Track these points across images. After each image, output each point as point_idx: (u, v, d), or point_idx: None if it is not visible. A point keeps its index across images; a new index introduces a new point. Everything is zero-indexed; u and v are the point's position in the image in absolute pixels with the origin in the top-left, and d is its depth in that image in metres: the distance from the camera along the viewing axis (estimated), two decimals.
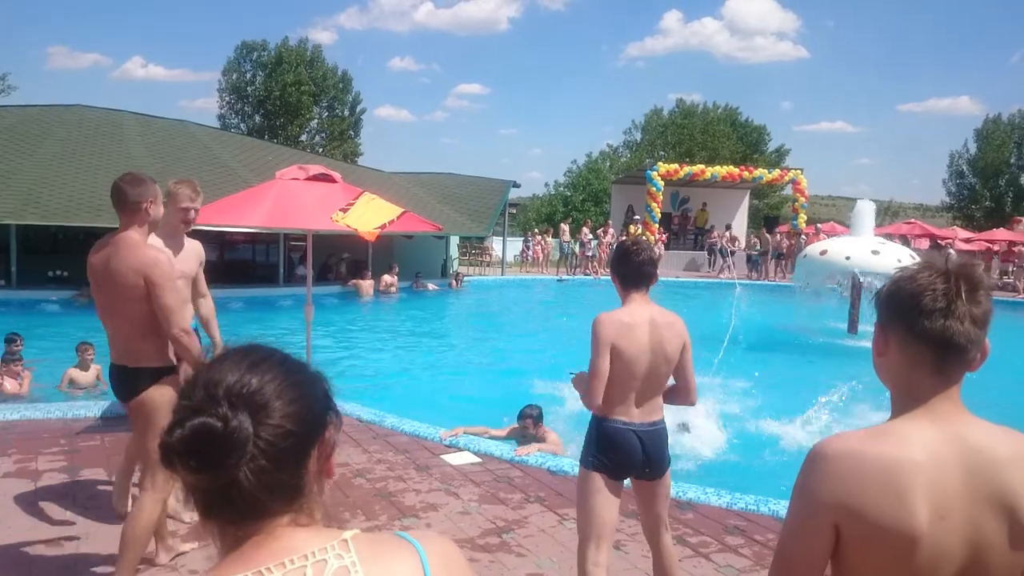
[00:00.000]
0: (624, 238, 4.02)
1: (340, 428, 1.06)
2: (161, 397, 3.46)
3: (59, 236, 18.18)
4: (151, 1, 77.44)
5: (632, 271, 3.18)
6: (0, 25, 78.07)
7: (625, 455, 3.11)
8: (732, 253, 26.30)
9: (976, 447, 1.30)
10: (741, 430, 7.44)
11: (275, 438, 0.95)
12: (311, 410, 1.00)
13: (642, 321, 3.11)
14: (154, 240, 3.80)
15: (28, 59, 75.71)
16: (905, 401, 1.36)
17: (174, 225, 4.16)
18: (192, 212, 4.19)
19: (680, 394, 3.26)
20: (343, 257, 19.87)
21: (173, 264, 3.59)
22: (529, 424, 6.38)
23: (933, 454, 1.28)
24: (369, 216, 5.41)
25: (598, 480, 3.13)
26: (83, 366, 8.17)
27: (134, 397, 3.51)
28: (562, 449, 6.09)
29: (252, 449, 0.94)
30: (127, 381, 3.53)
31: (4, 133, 18.97)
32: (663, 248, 25.82)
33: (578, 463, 3.27)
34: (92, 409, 6.51)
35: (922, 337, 1.33)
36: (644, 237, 25.34)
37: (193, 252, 4.37)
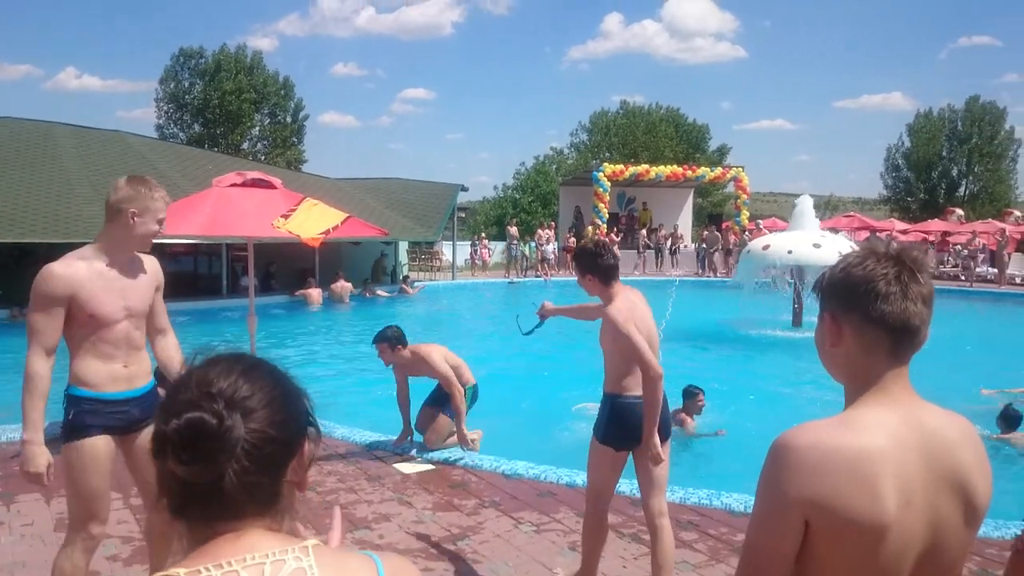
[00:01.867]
0: (583, 240, 4.40)
1: (319, 443, 1.10)
2: None
3: None
4: (84, 10, 75.28)
5: (609, 268, 3.59)
6: None
7: (635, 428, 3.46)
8: (676, 251, 26.67)
9: (931, 430, 1.32)
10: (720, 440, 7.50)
11: (260, 442, 1.00)
12: (294, 421, 1.05)
13: (641, 302, 3.62)
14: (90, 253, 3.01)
15: None
16: (861, 388, 1.36)
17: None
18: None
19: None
20: (272, 268, 19.57)
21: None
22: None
23: (897, 440, 1.28)
24: (312, 222, 5.31)
25: (609, 451, 3.57)
26: None
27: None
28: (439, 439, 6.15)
29: (239, 450, 0.98)
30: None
31: None
32: (616, 248, 26.05)
33: (591, 434, 3.65)
34: None
35: (880, 322, 1.33)
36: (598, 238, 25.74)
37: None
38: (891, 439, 1.28)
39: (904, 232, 31.18)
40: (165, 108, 46.14)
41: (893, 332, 1.33)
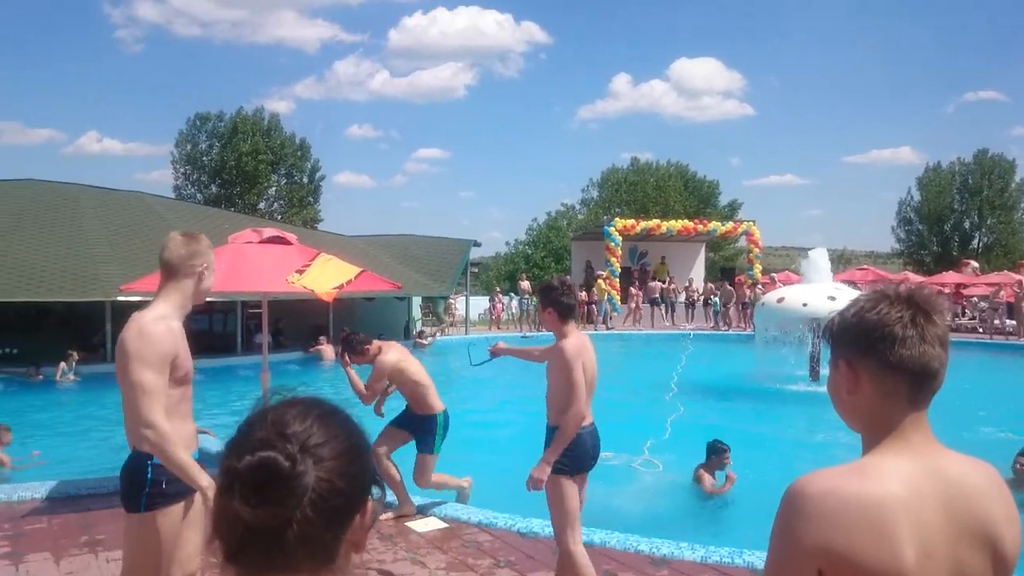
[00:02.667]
0: (551, 277, 4.60)
1: (381, 505, 1.07)
2: None
3: (8, 313, 17.71)
4: (106, 76, 77.54)
5: (568, 307, 3.92)
6: None
7: (590, 454, 3.89)
8: (693, 304, 26.51)
9: (952, 479, 1.27)
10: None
11: (327, 493, 0.94)
12: (361, 476, 1.00)
13: (589, 343, 3.95)
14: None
15: None
16: (878, 435, 1.32)
17: None
18: None
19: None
20: (280, 327, 19.61)
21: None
22: None
23: (914, 489, 1.24)
24: (326, 277, 5.34)
25: (570, 482, 3.82)
26: None
27: None
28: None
29: (305, 499, 0.92)
30: None
31: None
32: (638, 302, 25.96)
33: (555, 476, 3.79)
34: (38, 490, 6.21)
35: (898, 367, 1.29)
36: (606, 292, 25.31)
37: None
38: (909, 487, 1.23)
39: (919, 284, 30.99)
40: (182, 170, 47.04)
41: (912, 377, 1.29)
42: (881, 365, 1.30)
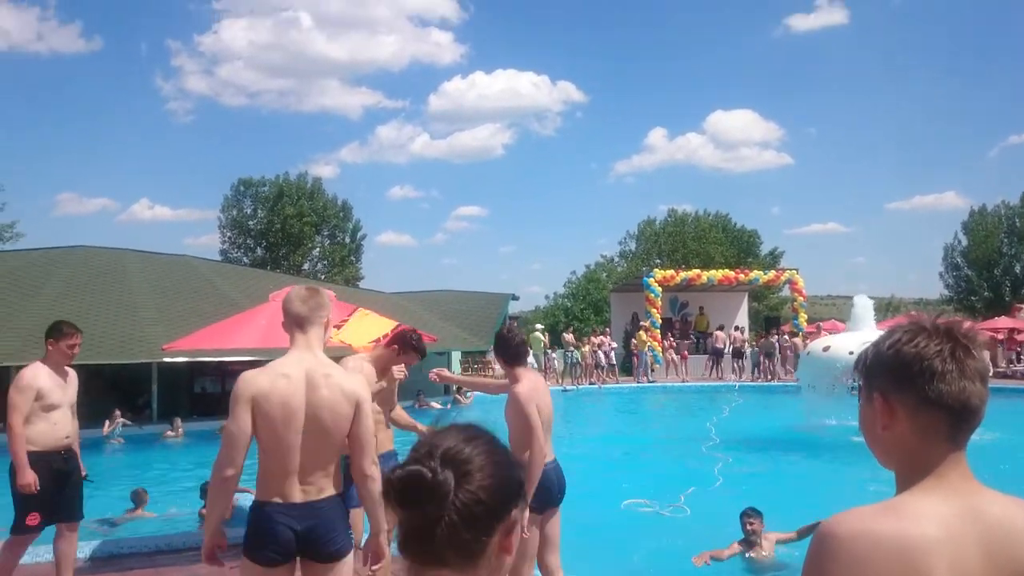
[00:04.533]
0: (503, 327, 4.75)
1: (525, 514, 1.34)
2: None
3: None
4: (158, 146, 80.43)
5: (515, 352, 4.21)
6: (13, 177, 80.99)
7: (555, 489, 4.30)
8: (742, 354, 25.94)
9: (992, 521, 1.21)
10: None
11: (470, 503, 1.11)
12: (504, 490, 1.16)
13: (542, 384, 4.33)
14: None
15: (37, 207, 77.95)
16: (914, 473, 1.26)
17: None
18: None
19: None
20: None
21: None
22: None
23: (950, 530, 1.18)
24: (363, 331, 5.40)
25: (536, 517, 4.09)
26: None
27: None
28: None
29: (449, 505, 1.10)
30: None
31: (7, 276, 19.25)
32: (675, 354, 25.64)
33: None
34: (83, 550, 6.25)
35: (937, 402, 1.24)
36: (647, 343, 25.02)
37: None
38: (945, 529, 1.17)
39: (958, 319, 30.09)
40: (228, 234, 48.27)
41: (952, 413, 1.23)
42: (919, 400, 1.24)
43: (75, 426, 5.06)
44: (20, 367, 16.95)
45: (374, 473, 3.05)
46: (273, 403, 2.86)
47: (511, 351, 4.20)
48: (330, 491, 3.00)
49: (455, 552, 1.12)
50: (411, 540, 1.14)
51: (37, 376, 4.80)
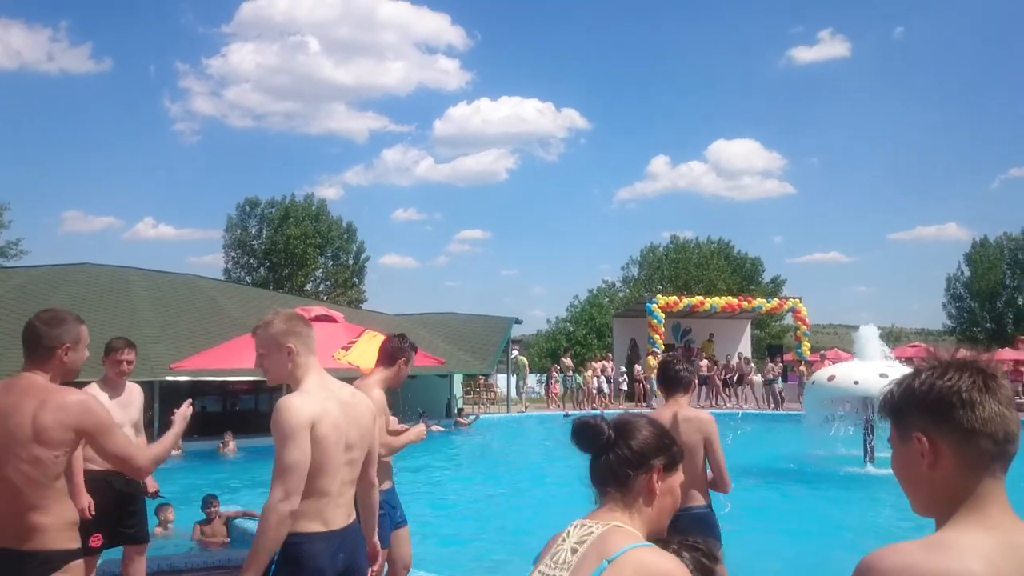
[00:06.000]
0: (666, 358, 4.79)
1: (669, 469, 1.82)
2: None
3: None
4: (164, 166, 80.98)
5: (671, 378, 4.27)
6: (20, 194, 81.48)
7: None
8: (742, 382, 25.84)
9: None
10: (767, 569, 7.08)
11: (625, 453, 1.79)
12: (647, 451, 1.79)
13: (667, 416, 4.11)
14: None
15: (42, 225, 78.25)
16: (954, 509, 1.24)
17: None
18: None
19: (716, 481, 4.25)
20: None
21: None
22: None
23: (994, 567, 1.16)
24: (371, 353, 5.36)
25: None
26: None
27: None
28: None
29: (612, 451, 1.80)
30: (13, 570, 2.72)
31: (12, 293, 19.27)
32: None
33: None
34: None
35: (982, 432, 1.23)
36: (654, 369, 24.79)
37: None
38: (989, 565, 1.15)
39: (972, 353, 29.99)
40: (232, 254, 48.40)
41: (995, 443, 1.23)
42: (962, 433, 1.24)
43: (141, 442, 4.69)
44: None
45: (376, 480, 3.23)
46: (327, 425, 2.79)
47: (667, 378, 4.27)
48: (355, 511, 3.04)
49: (613, 480, 1.77)
50: (591, 471, 1.83)
51: None
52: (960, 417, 1.24)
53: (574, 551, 1.68)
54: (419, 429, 4.38)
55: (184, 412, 3.36)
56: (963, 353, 1.31)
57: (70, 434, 2.76)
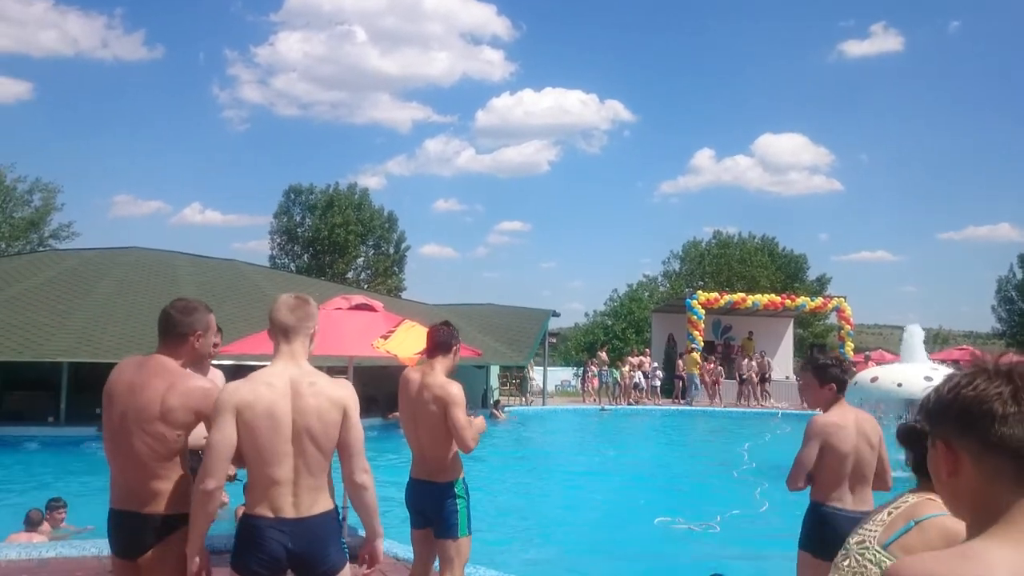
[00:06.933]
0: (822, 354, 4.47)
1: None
2: (179, 555, 2.92)
3: (108, 373, 18.56)
4: (212, 152, 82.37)
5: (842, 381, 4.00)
6: (73, 178, 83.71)
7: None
8: (767, 380, 25.47)
9: None
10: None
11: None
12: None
13: (847, 422, 3.94)
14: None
15: (94, 207, 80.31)
16: (983, 520, 1.22)
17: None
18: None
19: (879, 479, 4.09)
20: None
21: None
22: None
23: None
24: (409, 342, 5.43)
25: (809, 558, 3.85)
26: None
27: (144, 552, 2.97)
28: None
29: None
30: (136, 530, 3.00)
31: (64, 275, 19.84)
32: (717, 378, 25.30)
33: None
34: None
35: (1000, 447, 1.20)
36: (697, 365, 24.62)
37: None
38: None
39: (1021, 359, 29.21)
40: (278, 240, 49.16)
41: (1017, 458, 1.20)
42: (982, 445, 1.22)
43: None
44: (72, 363, 17.36)
45: (365, 481, 2.97)
46: (257, 412, 2.82)
47: (833, 378, 4.02)
48: (323, 506, 2.93)
49: (926, 468, 1.75)
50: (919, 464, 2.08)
51: None
52: (979, 428, 1.22)
53: (889, 514, 2.25)
54: (481, 420, 4.28)
55: None
56: (1009, 358, 1.27)
57: (192, 416, 3.00)
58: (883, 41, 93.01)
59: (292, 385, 2.89)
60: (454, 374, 4.31)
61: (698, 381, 25.37)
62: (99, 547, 6.37)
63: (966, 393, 1.24)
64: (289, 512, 2.85)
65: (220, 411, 2.82)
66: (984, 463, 1.22)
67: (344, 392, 2.97)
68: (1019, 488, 1.21)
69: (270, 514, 2.84)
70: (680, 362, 26.59)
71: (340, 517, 3.13)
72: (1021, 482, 1.21)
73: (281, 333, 3.02)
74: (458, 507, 4.04)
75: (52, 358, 15.16)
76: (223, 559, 3.07)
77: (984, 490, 1.23)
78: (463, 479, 4.17)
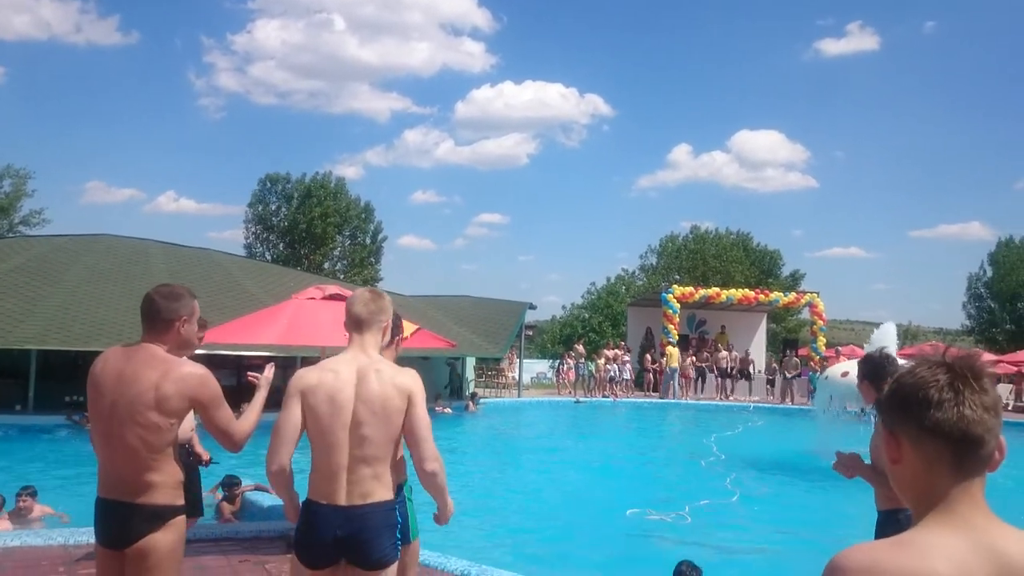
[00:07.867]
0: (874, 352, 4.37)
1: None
2: (168, 546, 2.95)
3: (79, 361, 18.34)
4: (187, 140, 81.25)
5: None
6: (44, 164, 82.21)
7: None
8: (748, 375, 25.82)
9: (1008, 557, 1.18)
10: (766, 564, 7.11)
11: None
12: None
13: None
14: None
15: (65, 193, 79.00)
16: (925, 507, 1.25)
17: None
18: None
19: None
20: None
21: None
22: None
23: (962, 567, 1.16)
24: None
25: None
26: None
27: (132, 542, 2.94)
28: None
29: None
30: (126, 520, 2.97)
31: (33, 262, 19.52)
32: (688, 372, 25.50)
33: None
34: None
35: (936, 431, 1.24)
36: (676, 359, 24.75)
37: None
38: (956, 566, 1.15)
39: (994, 363, 29.80)
40: (253, 229, 48.65)
41: (952, 443, 1.23)
42: (919, 431, 1.25)
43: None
44: (41, 351, 17.15)
45: (435, 468, 2.99)
46: (320, 397, 2.90)
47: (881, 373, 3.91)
48: (379, 496, 2.93)
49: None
50: None
51: None
52: (915, 414, 1.26)
53: None
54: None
55: (268, 375, 3.49)
56: (954, 351, 1.31)
57: (186, 403, 3.00)
58: (859, 40, 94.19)
59: (359, 373, 2.96)
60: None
61: (678, 376, 25.49)
62: (65, 536, 6.31)
63: (905, 380, 1.29)
64: (341, 499, 2.88)
65: (288, 395, 2.94)
66: (922, 449, 1.26)
67: (409, 380, 3.02)
68: (957, 474, 1.24)
69: (323, 500, 2.90)
70: (648, 356, 26.78)
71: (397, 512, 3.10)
72: (959, 468, 1.24)
73: (354, 325, 3.10)
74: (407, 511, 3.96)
75: (20, 345, 14.93)
76: (218, 547, 3.10)
77: (924, 477, 1.26)
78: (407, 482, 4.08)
